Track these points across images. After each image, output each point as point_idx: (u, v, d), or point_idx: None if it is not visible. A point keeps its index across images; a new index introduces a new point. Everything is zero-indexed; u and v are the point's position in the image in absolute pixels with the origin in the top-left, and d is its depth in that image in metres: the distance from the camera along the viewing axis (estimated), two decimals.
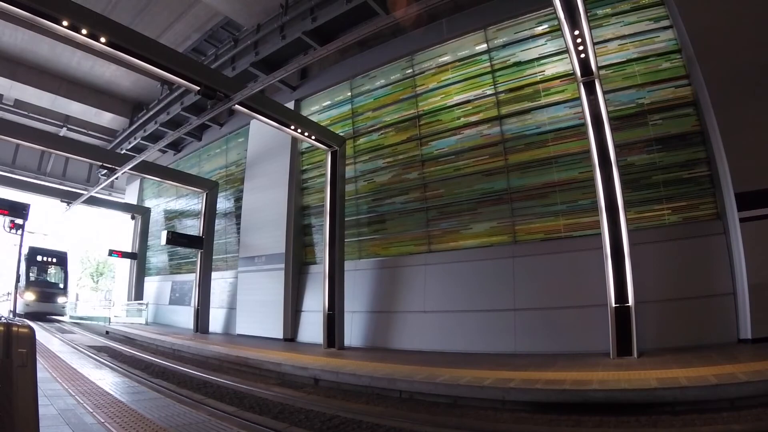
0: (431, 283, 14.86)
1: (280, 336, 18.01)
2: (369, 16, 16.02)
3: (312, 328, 17.24)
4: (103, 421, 5.38)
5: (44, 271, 33.30)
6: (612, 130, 10.67)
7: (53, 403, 6.00)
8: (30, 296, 29.75)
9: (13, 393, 3.66)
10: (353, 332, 15.82)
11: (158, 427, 5.23)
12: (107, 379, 8.54)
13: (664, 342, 10.27)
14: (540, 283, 12.69)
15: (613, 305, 9.95)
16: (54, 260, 34.01)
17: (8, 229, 21.46)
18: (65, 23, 10.38)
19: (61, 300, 32.28)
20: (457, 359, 11.47)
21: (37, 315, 29.01)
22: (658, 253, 11.13)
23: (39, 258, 32.79)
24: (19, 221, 21.06)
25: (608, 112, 10.80)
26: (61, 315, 32.47)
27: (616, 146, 10.61)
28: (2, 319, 4.02)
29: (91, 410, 5.87)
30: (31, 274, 31.58)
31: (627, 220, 10.28)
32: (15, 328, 3.80)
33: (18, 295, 28.10)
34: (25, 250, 28.70)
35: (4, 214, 20.27)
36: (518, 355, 11.73)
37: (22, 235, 21.28)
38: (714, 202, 11.09)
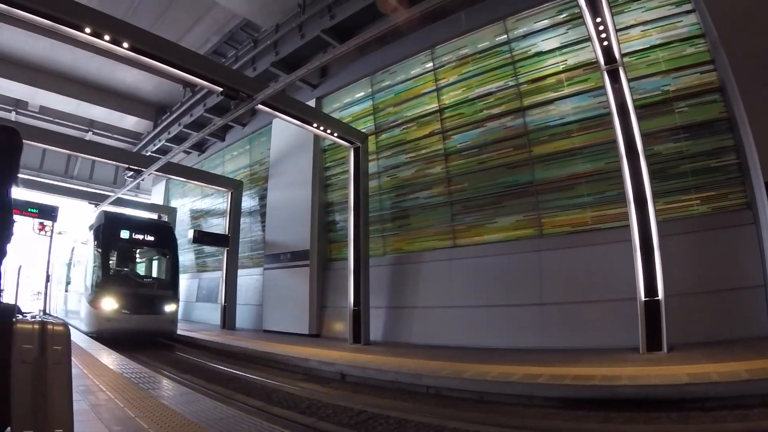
0: (456, 278, 14.76)
1: (306, 332, 18.11)
2: (387, 11, 15.94)
3: (337, 324, 17.40)
4: (134, 416, 5.43)
5: (133, 258, 19.94)
6: (638, 118, 10.44)
7: (85, 398, 6.07)
8: (110, 304, 16.31)
9: (48, 391, 3.68)
10: (379, 328, 15.83)
11: (189, 422, 5.26)
12: (138, 375, 8.64)
13: (694, 336, 10.05)
14: (567, 276, 12.52)
15: (643, 299, 9.75)
16: (153, 237, 19.45)
17: (38, 231, 21.74)
18: (88, 30, 10.47)
19: (169, 308, 18.15)
20: (483, 354, 11.44)
21: (126, 335, 16.46)
22: (687, 244, 10.89)
23: (125, 234, 18.57)
24: (48, 223, 21.35)
25: (633, 101, 10.55)
26: (170, 334, 18.42)
27: (642, 135, 10.39)
28: (37, 317, 4.04)
29: (123, 405, 5.93)
30: (110, 263, 17.96)
31: (656, 211, 10.07)
32: (50, 326, 3.83)
33: (80, 301, 17.99)
34: (89, 222, 20.10)
35: (34, 217, 20.51)
36: (545, 350, 11.59)
37: (51, 237, 21.56)
38: (744, 191, 10.79)
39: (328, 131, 15.62)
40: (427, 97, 16.60)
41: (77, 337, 13.11)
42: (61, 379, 3.79)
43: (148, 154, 29.65)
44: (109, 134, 32.56)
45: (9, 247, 4.07)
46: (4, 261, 4.07)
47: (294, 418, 7.22)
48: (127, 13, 20.90)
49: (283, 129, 20.37)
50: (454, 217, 15.41)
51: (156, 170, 20.47)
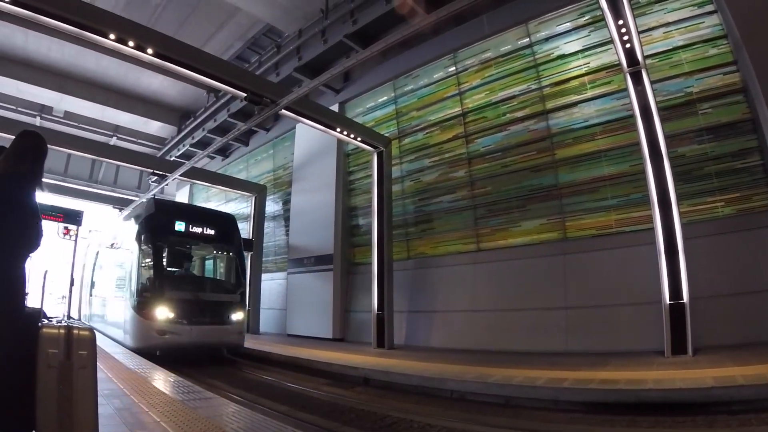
0: (480, 282, 14.78)
1: (330, 336, 18.13)
2: (409, 16, 16.00)
3: (361, 328, 17.34)
4: (158, 420, 5.46)
5: (190, 256, 15.79)
6: (661, 120, 10.42)
7: (109, 402, 6.11)
8: (165, 313, 13.31)
9: (74, 395, 3.81)
10: (402, 332, 15.85)
11: (214, 427, 5.29)
12: (162, 379, 8.67)
13: (720, 339, 9.98)
14: (591, 280, 12.49)
15: (668, 302, 9.74)
16: (215, 230, 15.79)
17: (62, 235, 21.84)
18: (112, 36, 10.60)
19: (236, 317, 14.89)
20: (507, 358, 11.41)
21: (184, 351, 13.44)
22: (712, 246, 10.81)
23: (180, 225, 15.05)
24: (72, 227, 21.44)
25: (656, 103, 10.54)
26: (237, 347, 15.23)
27: (665, 137, 10.36)
28: (63, 321, 4.13)
29: (147, 409, 5.97)
30: (162, 262, 14.52)
31: (680, 214, 10.04)
32: (76, 331, 3.98)
33: (122, 309, 14.49)
34: (134, 212, 17.88)
35: (59, 221, 20.64)
36: (570, 354, 11.57)
37: (76, 241, 21.67)
38: None
39: (352, 136, 15.67)
40: (450, 101, 16.63)
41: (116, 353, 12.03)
42: (87, 385, 3.93)
43: (172, 159, 29.97)
44: (134, 139, 32.75)
45: (37, 251, 4.18)
46: (29, 264, 4.17)
47: (318, 422, 7.28)
48: (150, 19, 21.12)
49: (307, 133, 20.49)
50: (477, 220, 15.42)
51: (180, 175, 20.43)
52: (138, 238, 14.28)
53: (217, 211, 20.61)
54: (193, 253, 16.11)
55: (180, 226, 14.92)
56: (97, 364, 4.08)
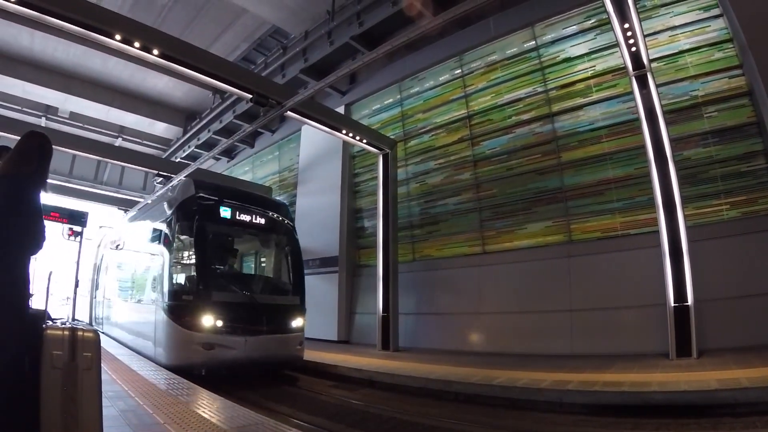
0: (485, 284, 14.82)
1: (335, 338, 18.12)
2: (416, 18, 16.04)
3: (366, 330, 17.32)
4: (162, 422, 5.48)
5: (236, 249, 13.37)
6: (666, 123, 10.43)
7: (114, 404, 6.12)
8: (213, 320, 10.36)
9: (78, 396, 3.84)
10: (407, 334, 15.81)
11: (217, 428, 5.30)
12: (166, 381, 8.57)
13: (724, 342, 9.96)
14: (596, 282, 12.51)
15: (672, 305, 9.74)
16: (267, 219, 12.92)
17: (67, 237, 21.73)
18: (118, 37, 10.61)
19: (297, 324, 12.09)
20: (512, 361, 11.43)
21: (237, 369, 10.85)
22: (717, 249, 10.81)
23: (226, 212, 12.03)
24: (77, 228, 21.38)
25: (662, 106, 10.54)
26: (297, 361, 12.23)
27: (671, 140, 10.38)
28: (67, 323, 4.16)
29: (151, 411, 5.98)
30: (206, 256, 11.51)
31: (685, 217, 10.06)
32: (80, 333, 4.00)
33: (151, 316, 11.43)
34: (165, 194, 14.97)
35: (63, 222, 20.61)
36: (575, 357, 11.57)
37: (80, 242, 21.61)
38: None
39: (357, 138, 15.72)
40: (455, 104, 16.68)
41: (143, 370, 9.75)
42: (91, 386, 3.96)
43: (177, 160, 30.00)
44: (139, 140, 32.93)
45: (41, 251, 4.21)
46: (33, 265, 4.19)
47: (323, 424, 7.29)
48: (156, 20, 21.25)
49: (312, 135, 20.49)
50: (483, 223, 15.44)
51: (185, 176, 20.41)
52: (173, 227, 11.39)
53: (266, 196, 18.12)
54: (244, 245, 13.91)
55: (226, 212, 11.99)
56: (103, 366, 4.11)
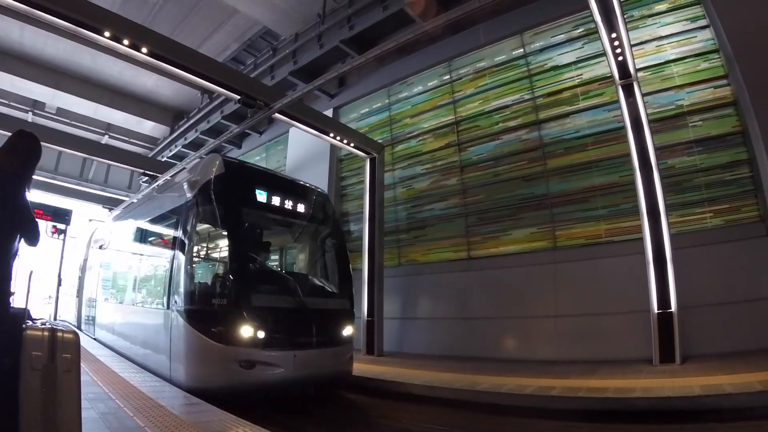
0: (471, 290, 14.83)
1: None
2: (406, 23, 16.13)
3: None
4: (143, 425, 5.43)
5: (271, 245, 11.05)
6: (652, 132, 10.55)
7: (94, 407, 6.06)
8: (253, 331, 7.94)
9: (58, 398, 3.80)
10: (393, 339, 15.76)
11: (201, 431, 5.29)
12: (148, 383, 8.13)
13: (708, 348, 10.10)
14: (581, 289, 12.58)
15: (656, 311, 9.85)
16: (306, 207, 10.57)
17: (50, 234, 21.44)
18: (107, 34, 10.51)
19: (348, 333, 9.98)
20: (497, 366, 11.48)
21: (280, 390, 8.47)
22: (700, 256, 10.93)
23: (262, 195, 9.56)
24: (61, 226, 21.12)
25: (648, 115, 10.68)
26: (345, 377, 10.00)
27: (656, 149, 10.50)
28: (47, 324, 4.14)
29: (132, 414, 5.92)
30: (239, 250, 8.72)
31: (669, 224, 10.16)
32: (60, 334, 3.95)
33: (167, 324, 8.73)
34: (184, 175, 10.68)
35: (47, 220, 20.35)
36: (560, 363, 11.57)
37: (64, 240, 21.35)
38: (757, 204, 10.88)
39: (345, 141, 15.64)
40: (443, 109, 16.76)
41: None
42: (71, 388, 3.92)
43: (164, 159, 29.86)
44: (126, 138, 32.67)
45: (31, 249, 4.21)
46: (17, 262, 4.19)
47: (307, 428, 7.32)
48: (147, 18, 21.17)
49: (300, 138, 20.39)
50: (468, 228, 15.49)
51: (171, 176, 20.28)
52: (196, 213, 8.86)
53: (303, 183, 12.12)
54: (285, 238, 11.81)
55: (263, 195, 9.64)
56: (84, 367, 4.09)
